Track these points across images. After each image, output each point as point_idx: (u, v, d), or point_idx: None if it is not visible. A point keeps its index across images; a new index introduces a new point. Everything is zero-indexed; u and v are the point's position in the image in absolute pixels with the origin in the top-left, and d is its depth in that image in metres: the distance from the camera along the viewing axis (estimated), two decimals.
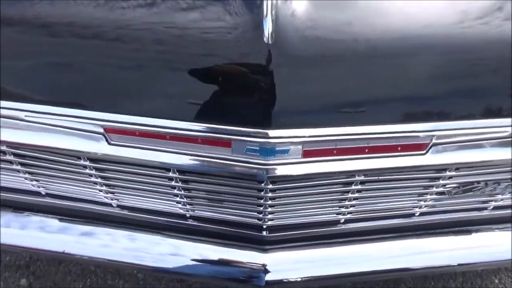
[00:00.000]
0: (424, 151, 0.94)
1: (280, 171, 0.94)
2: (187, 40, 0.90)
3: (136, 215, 1.26)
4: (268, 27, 0.84)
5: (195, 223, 1.26)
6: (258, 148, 0.91)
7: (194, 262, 1.22)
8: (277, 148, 0.91)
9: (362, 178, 1.05)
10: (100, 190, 1.16)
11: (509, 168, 1.08)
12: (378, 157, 0.94)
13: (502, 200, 1.23)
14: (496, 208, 1.26)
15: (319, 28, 0.89)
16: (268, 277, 1.23)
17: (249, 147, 0.91)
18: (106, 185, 1.14)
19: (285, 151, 0.91)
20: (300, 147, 0.91)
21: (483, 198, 1.22)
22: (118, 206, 1.24)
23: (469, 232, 1.33)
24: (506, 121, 0.94)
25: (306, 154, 0.92)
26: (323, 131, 0.91)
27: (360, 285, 1.95)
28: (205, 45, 0.90)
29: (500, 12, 1.00)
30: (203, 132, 0.91)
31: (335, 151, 0.92)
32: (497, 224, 1.33)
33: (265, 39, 0.85)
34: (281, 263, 1.25)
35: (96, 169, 1.07)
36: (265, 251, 1.25)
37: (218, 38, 0.90)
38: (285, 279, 1.25)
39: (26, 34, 0.98)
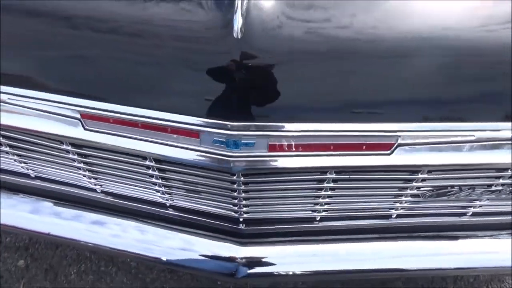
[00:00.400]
0: (389, 151, 0.95)
1: (245, 163, 0.96)
2: (159, 32, 0.94)
3: (120, 202, 1.30)
4: (237, 22, 0.86)
5: (175, 212, 1.29)
6: (224, 140, 0.93)
7: (170, 251, 1.26)
8: (242, 141, 0.93)
9: (333, 176, 1.06)
10: (84, 175, 1.21)
11: (482, 174, 1.08)
12: (343, 155, 0.95)
13: (481, 206, 1.22)
14: (476, 214, 1.26)
15: (289, 25, 0.90)
16: (243, 270, 1.26)
17: (216, 138, 0.94)
18: (89, 170, 1.18)
19: (251, 144, 0.93)
20: (265, 141, 0.93)
21: (462, 204, 1.22)
22: (103, 192, 1.28)
23: (456, 237, 1.33)
24: (471, 125, 0.95)
25: (271, 148, 0.94)
26: (288, 126, 0.93)
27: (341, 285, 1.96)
28: (175, 38, 0.93)
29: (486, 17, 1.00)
30: (172, 122, 0.94)
31: (300, 147, 0.94)
32: (497, 230, 1.33)
33: (234, 34, 0.87)
34: (257, 257, 1.27)
35: (78, 154, 1.11)
36: (241, 244, 1.27)
37: (189, 30, 0.93)
38: (260, 273, 1.27)
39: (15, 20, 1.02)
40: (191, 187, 1.16)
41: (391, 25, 0.93)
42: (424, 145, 0.95)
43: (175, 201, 1.24)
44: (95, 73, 0.97)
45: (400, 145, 0.95)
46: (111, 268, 2.07)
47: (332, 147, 0.94)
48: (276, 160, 0.96)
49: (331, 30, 0.91)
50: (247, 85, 0.90)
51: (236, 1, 0.88)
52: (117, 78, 0.96)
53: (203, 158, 0.97)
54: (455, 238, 1.34)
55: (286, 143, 0.94)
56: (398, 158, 0.96)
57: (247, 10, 0.88)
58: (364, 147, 0.94)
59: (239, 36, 0.87)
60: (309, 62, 0.91)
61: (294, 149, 0.94)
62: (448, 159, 0.97)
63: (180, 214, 1.29)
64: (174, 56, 0.93)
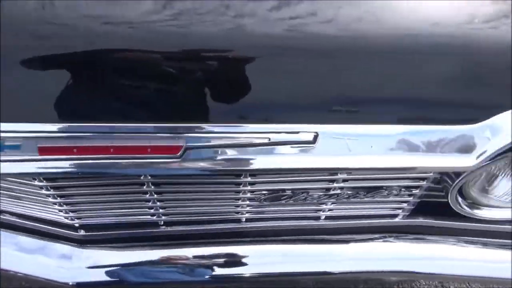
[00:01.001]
0: (178, 154, 0.84)
1: (10, 168, 0.85)
2: None
3: None
4: None
5: (12, 218, 1.20)
6: None
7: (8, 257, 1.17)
8: (6, 143, 0.82)
9: (151, 179, 0.97)
10: None
11: (310, 178, 0.99)
12: (127, 159, 0.85)
13: (330, 210, 1.13)
14: (330, 218, 1.17)
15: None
16: (80, 277, 1.17)
17: None
18: None
19: (17, 147, 0.82)
20: (34, 143, 0.83)
21: (312, 207, 1.12)
22: None
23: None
24: (264, 127, 0.83)
25: (42, 151, 0.83)
26: (57, 127, 0.82)
27: None
28: None
29: None
30: None
31: (75, 150, 0.83)
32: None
33: None
34: (97, 265, 1.18)
35: None
36: (80, 250, 1.18)
37: None
38: (97, 281, 1.17)
39: None
40: (12, 193, 1.07)
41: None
42: (215, 148, 0.84)
43: (8, 207, 1.15)
44: None
45: (189, 148, 0.84)
46: None
47: (112, 150, 0.83)
48: (48, 165, 0.85)
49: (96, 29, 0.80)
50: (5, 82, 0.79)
51: None
52: None
53: None
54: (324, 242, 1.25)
55: (58, 145, 0.83)
56: (189, 162, 0.85)
57: None
58: (149, 150, 0.84)
59: None
60: (71, 59, 0.80)
61: (68, 152, 0.83)
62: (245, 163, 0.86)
63: (17, 220, 1.20)
64: None
